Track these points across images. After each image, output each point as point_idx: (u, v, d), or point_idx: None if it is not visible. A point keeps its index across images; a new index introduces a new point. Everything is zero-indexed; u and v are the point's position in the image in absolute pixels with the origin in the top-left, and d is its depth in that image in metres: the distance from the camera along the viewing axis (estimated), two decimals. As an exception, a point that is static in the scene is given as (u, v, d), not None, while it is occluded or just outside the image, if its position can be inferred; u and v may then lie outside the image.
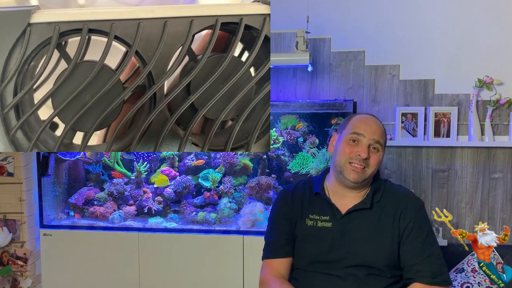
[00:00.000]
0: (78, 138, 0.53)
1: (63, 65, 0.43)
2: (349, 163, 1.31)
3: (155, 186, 2.44)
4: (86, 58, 0.45)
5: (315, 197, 1.40)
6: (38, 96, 0.49)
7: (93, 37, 0.43)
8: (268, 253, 1.42)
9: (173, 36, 0.44)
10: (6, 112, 0.47)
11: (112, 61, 0.47)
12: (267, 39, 0.47)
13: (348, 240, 1.32)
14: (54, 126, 0.54)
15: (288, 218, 1.40)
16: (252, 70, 0.55)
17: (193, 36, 0.47)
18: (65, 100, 0.45)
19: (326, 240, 1.34)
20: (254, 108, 0.54)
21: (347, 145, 1.32)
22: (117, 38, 0.43)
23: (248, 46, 0.50)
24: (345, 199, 1.36)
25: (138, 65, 0.48)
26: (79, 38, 0.42)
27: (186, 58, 0.51)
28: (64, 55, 0.44)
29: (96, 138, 0.55)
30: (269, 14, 0.47)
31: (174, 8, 0.43)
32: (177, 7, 0.43)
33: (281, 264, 1.39)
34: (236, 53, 0.52)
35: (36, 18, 0.42)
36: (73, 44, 0.41)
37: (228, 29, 0.48)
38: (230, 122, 0.60)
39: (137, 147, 0.53)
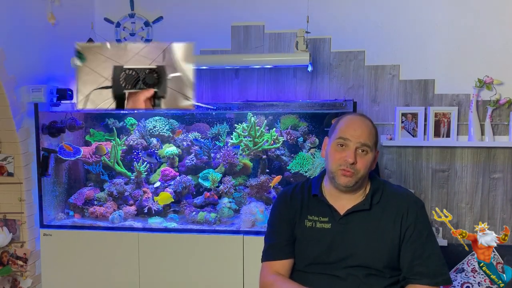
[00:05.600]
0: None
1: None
2: (340, 168, 1.32)
3: (158, 204, 2.41)
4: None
5: (314, 199, 1.41)
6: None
7: None
8: (269, 256, 1.42)
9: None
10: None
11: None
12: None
13: (348, 241, 1.33)
14: None
15: (287, 220, 1.41)
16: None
17: None
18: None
19: (325, 241, 1.34)
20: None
21: (335, 151, 1.34)
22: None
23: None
24: (342, 201, 1.37)
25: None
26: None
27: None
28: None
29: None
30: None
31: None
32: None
33: (282, 266, 1.40)
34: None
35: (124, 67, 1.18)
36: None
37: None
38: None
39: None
